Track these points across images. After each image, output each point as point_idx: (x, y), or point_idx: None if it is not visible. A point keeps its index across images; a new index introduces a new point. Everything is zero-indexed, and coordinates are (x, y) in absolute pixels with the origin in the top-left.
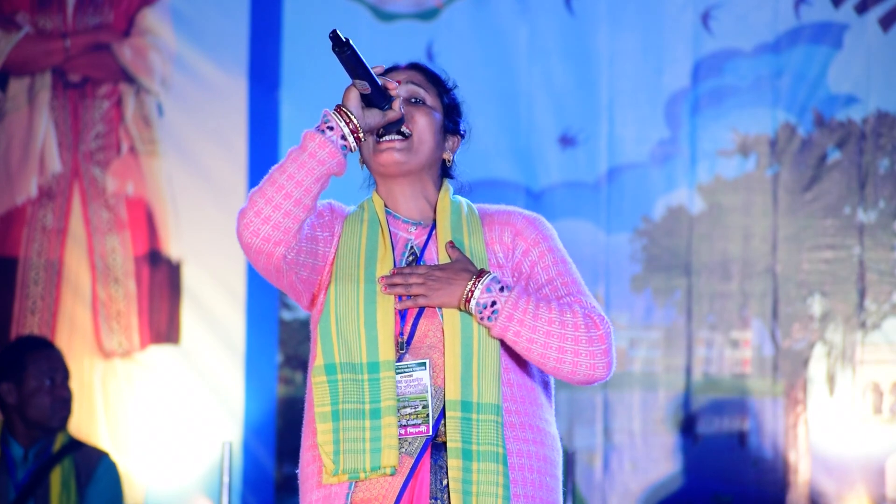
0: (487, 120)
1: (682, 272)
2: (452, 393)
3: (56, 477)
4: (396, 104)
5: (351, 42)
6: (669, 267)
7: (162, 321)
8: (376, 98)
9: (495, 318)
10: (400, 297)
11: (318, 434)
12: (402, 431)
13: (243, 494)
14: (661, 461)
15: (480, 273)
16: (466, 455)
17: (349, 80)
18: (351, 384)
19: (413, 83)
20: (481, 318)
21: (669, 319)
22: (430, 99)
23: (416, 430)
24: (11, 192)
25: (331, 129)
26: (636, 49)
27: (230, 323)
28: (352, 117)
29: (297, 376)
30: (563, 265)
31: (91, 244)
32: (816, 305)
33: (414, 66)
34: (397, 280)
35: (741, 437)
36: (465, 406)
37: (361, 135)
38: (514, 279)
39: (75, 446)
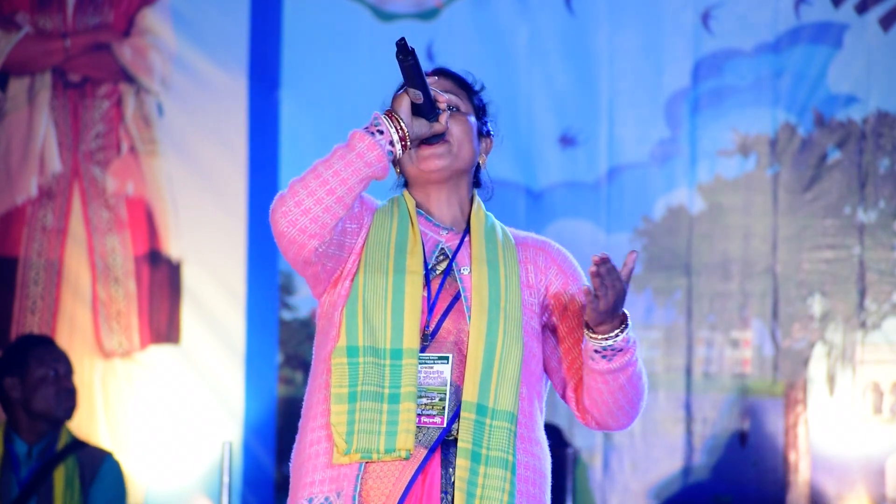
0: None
1: (682, 272)
2: (470, 394)
3: (60, 475)
4: (443, 117)
5: (415, 51)
6: (669, 267)
7: (162, 321)
8: (426, 109)
9: (610, 360)
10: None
11: (333, 415)
12: (417, 420)
13: (243, 494)
14: (661, 461)
15: (625, 315)
16: (475, 457)
17: (348, 81)
18: (373, 367)
19: (447, 91)
20: (599, 352)
21: (669, 319)
22: (464, 105)
23: (431, 420)
24: (11, 192)
25: (381, 132)
26: (636, 49)
27: (230, 323)
28: (402, 125)
29: (297, 376)
30: None
31: (91, 244)
32: (816, 305)
33: (442, 73)
34: (602, 271)
35: (741, 437)
36: (481, 409)
37: (409, 143)
38: (547, 308)
39: (79, 445)
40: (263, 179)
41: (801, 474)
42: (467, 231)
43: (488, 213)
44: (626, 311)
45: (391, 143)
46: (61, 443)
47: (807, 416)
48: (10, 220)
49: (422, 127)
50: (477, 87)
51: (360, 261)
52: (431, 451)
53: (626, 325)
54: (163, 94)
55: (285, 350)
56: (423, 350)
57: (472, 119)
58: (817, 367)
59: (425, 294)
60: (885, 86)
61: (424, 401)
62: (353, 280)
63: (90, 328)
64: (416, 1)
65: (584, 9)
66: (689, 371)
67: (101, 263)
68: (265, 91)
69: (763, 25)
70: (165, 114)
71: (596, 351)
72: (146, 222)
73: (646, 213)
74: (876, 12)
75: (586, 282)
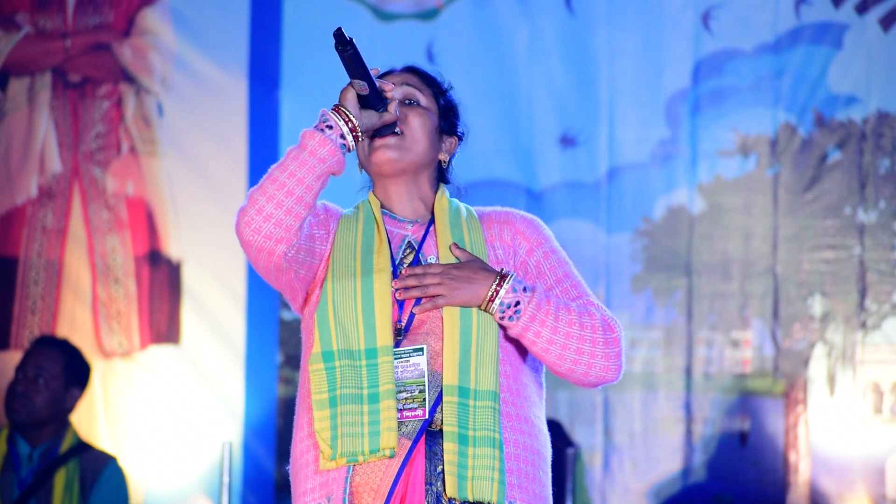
0: (487, 120)
1: (682, 272)
2: (450, 378)
3: (60, 478)
4: (392, 107)
5: (354, 42)
6: (670, 267)
7: (162, 321)
8: (373, 100)
9: (517, 318)
10: (418, 300)
11: (315, 422)
12: (399, 415)
13: (243, 494)
14: (662, 461)
15: (503, 274)
16: (463, 440)
17: (348, 80)
18: (349, 370)
19: (408, 85)
20: (502, 318)
21: (670, 319)
22: (425, 100)
23: (413, 413)
24: (11, 192)
25: (330, 127)
26: (636, 49)
27: (230, 323)
28: (350, 116)
29: (297, 376)
30: (567, 266)
31: (91, 244)
32: (817, 305)
33: (409, 69)
34: (412, 282)
35: (741, 437)
36: (463, 392)
37: (360, 134)
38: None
39: (83, 448)
40: None
41: (801, 474)
42: (432, 221)
43: (452, 199)
44: (502, 270)
45: (342, 136)
46: (65, 445)
47: (807, 417)
48: (10, 220)
49: (371, 118)
50: (445, 86)
51: (328, 266)
52: (415, 442)
53: (505, 280)
54: (163, 94)
55: (285, 350)
56: (398, 345)
57: (432, 116)
58: (817, 368)
59: (394, 290)
60: (885, 86)
61: (404, 395)
62: (322, 287)
63: (90, 328)
64: (416, 1)
65: (584, 9)
66: (689, 371)
67: (101, 263)
68: (265, 91)
69: (763, 26)
70: (165, 114)
71: (500, 319)
72: (146, 222)
73: (646, 214)
74: (876, 12)
75: (554, 245)
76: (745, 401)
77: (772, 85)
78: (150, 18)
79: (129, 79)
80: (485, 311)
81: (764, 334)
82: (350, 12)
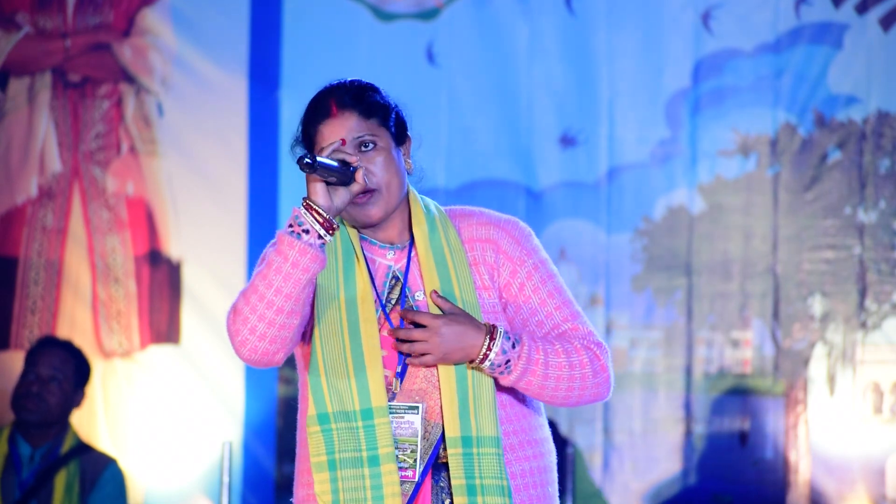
0: (487, 120)
1: (682, 272)
2: (452, 430)
3: (61, 479)
4: (359, 174)
5: (318, 158)
6: (670, 267)
7: (162, 321)
8: (340, 178)
9: (508, 373)
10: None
11: (316, 484)
12: None
13: (243, 494)
14: (662, 461)
15: (492, 331)
16: (471, 491)
17: (348, 80)
18: (346, 432)
19: (356, 135)
20: (492, 373)
21: (670, 319)
22: (378, 137)
23: (404, 474)
24: (11, 192)
25: (306, 232)
26: (636, 49)
27: None
28: (321, 212)
29: (296, 376)
30: (551, 281)
31: (91, 244)
32: (817, 305)
33: (347, 106)
34: (402, 335)
35: (741, 437)
36: (466, 441)
37: (335, 224)
38: (503, 302)
39: (83, 450)
40: (263, 179)
41: (801, 474)
42: (412, 242)
43: (426, 207)
44: (492, 325)
45: (319, 236)
46: (66, 446)
47: (807, 416)
48: (10, 220)
49: (342, 196)
50: (385, 101)
51: (313, 317)
52: (418, 486)
53: (493, 339)
54: (163, 94)
55: None
56: (393, 397)
57: (392, 149)
58: (818, 367)
59: (385, 330)
60: (885, 86)
61: (398, 454)
62: (311, 343)
63: (90, 328)
64: (416, 1)
65: (584, 9)
66: (689, 371)
67: (101, 263)
68: (265, 91)
69: (763, 25)
70: (165, 114)
71: (491, 374)
72: (146, 222)
73: (646, 214)
74: (876, 12)
75: (539, 258)
76: (745, 401)
77: (772, 85)
78: (150, 18)
79: (129, 79)
80: (475, 368)
81: (764, 334)
82: (350, 12)
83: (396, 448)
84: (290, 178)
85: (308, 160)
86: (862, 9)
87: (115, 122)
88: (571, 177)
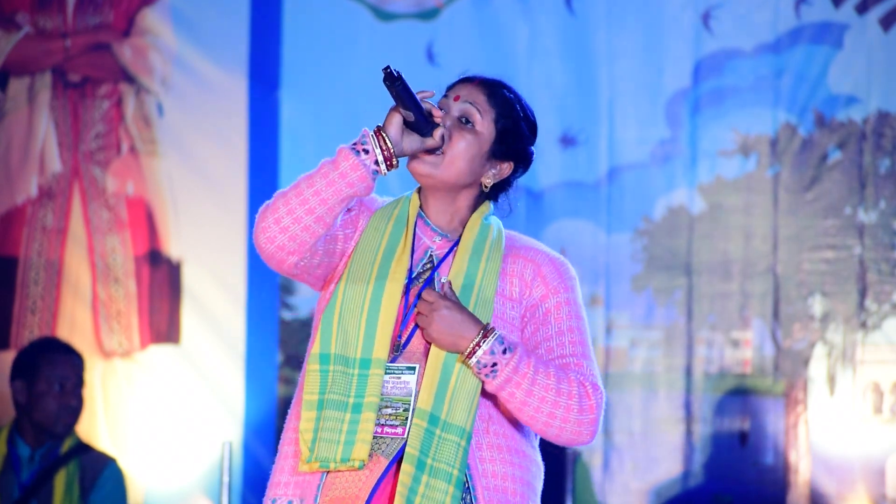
0: None
1: (682, 272)
2: (424, 402)
3: (60, 480)
4: (437, 133)
5: (402, 76)
6: (670, 267)
7: (162, 321)
8: (419, 125)
9: (493, 378)
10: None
11: (302, 421)
12: (379, 430)
13: (243, 494)
14: (662, 461)
15: (487, 330)
16: (420, 465)
17: (348, 81)
18: (341, 376)
19: (469, 102)
20: (478, 373)
21: (670, 319)
22: (481, 123)
23: (393, 430)
24: (11, 192)
25: (366, 151)
26: (636, 49)
27: (230, 323)
28: (389, 144)
29: (297, 376)
30: (577, 321)
31: (91, 244)
32: (817, 305)
33: (481, 83)
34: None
35: (741, 437)
36: (432, 419)
37: (395, 161)
38: (524, 321)
39: (83, 450)
40: (263, 179)
41: (801, 474)
42: (459, 238)
43: (487, 220)
44: (490, 326)
45: (376, 162)
46: (65, 446)
47: (807, 416)
48: (10, 220)
49: (413, 143)
50: (512, 105)
51: (346, 265)
52: (392, 461)
53: (488, 338)
54: (163, 94)
55: (285, 350)
56: (393, 360)
57: (483, 140)
58: (818, 367)
59: (403, 303)
60: (885, 86)
61: (389, 411)
62: (336, 285)
63: (90, 328)
64: (416, 1)
65: (584, 9)
66: (689, 371)
67: (101, 263)
68: (265, 91)
69: (763, 25)
70: (165, 114)
71: (477, 374)
72: (146, 222)
73: (646, 214)
74: (876, 12)
75: (573, 296)
76: (745, 401)
77: (772, 85)
78: (150, 18)
79: (129, 79)
80: (462, 363)
81: (764, 334)
82: (350, 12)
83: (389, 406)
84: (291, 178)
85: (392, 70)
86: (862, 9)
87: (115, 122)
88: (571, 177)
